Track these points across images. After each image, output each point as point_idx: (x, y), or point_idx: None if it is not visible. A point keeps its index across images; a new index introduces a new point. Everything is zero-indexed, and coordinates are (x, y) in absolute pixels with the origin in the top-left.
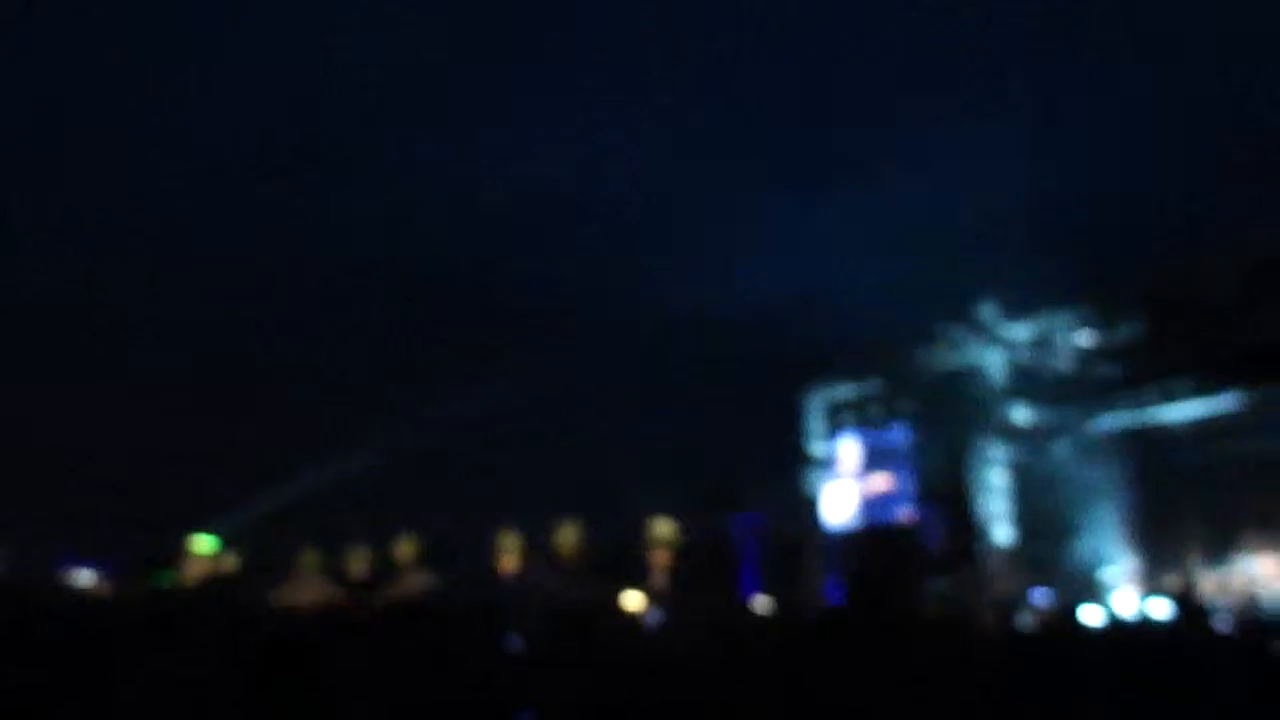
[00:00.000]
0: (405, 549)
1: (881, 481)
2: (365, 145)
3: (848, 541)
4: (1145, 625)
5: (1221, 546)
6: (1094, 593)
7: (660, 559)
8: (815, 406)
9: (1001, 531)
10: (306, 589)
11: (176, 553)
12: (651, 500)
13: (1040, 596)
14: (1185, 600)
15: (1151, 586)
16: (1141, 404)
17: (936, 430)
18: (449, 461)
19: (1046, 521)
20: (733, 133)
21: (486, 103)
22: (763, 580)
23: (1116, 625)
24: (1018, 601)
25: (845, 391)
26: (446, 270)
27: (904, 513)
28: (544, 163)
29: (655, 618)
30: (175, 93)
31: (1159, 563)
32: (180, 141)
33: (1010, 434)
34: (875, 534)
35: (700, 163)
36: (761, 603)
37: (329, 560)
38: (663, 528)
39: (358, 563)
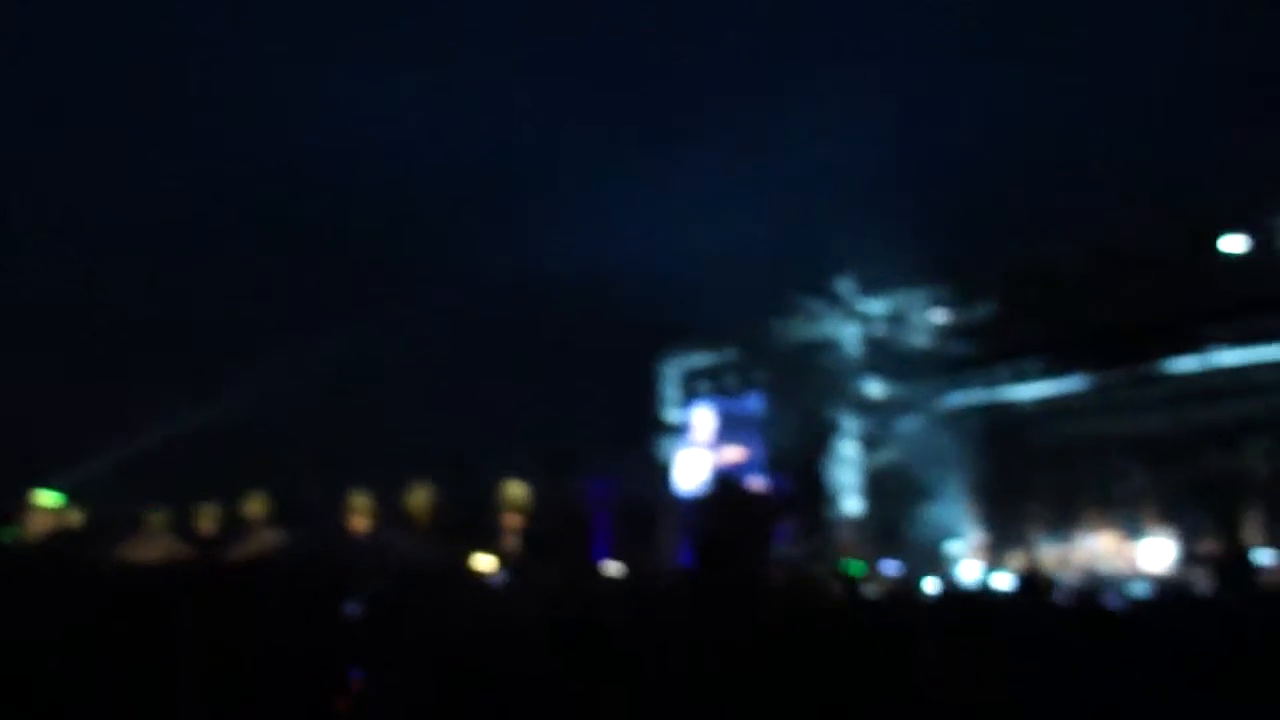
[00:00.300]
0: (255, 507)
1: (734, 450)
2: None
3: (696, 506)
4: (987, 595)
5: (1064, 523)
6: (940, 565)
7: (512, 522)
8: (671, 374)
9: (852, 502)
10: (153, 546)
11: (18, 508)
12: (505, 463)
13: (887, 567)
14: (1028, 573)
15: (996, 560)
16: (992, 382)
17: (791, 401)
18: (301, 419)
19: (896, 494)
20: (596, 97)
21: (357, 64)
22: (614, 545)
23: (960, 595)
24: (866, 570)
25: (701, 360)
26: (305, 224)
27: (756, 481)
28: (401, 124)
29: (503, 580)
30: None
31: (1004, 537)
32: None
33: (863, 407)
34: (724, 499)
35: (561, 127)
36: (612, 567)
37: (177, 517)
38: (515, 491)
39: (206, 520)
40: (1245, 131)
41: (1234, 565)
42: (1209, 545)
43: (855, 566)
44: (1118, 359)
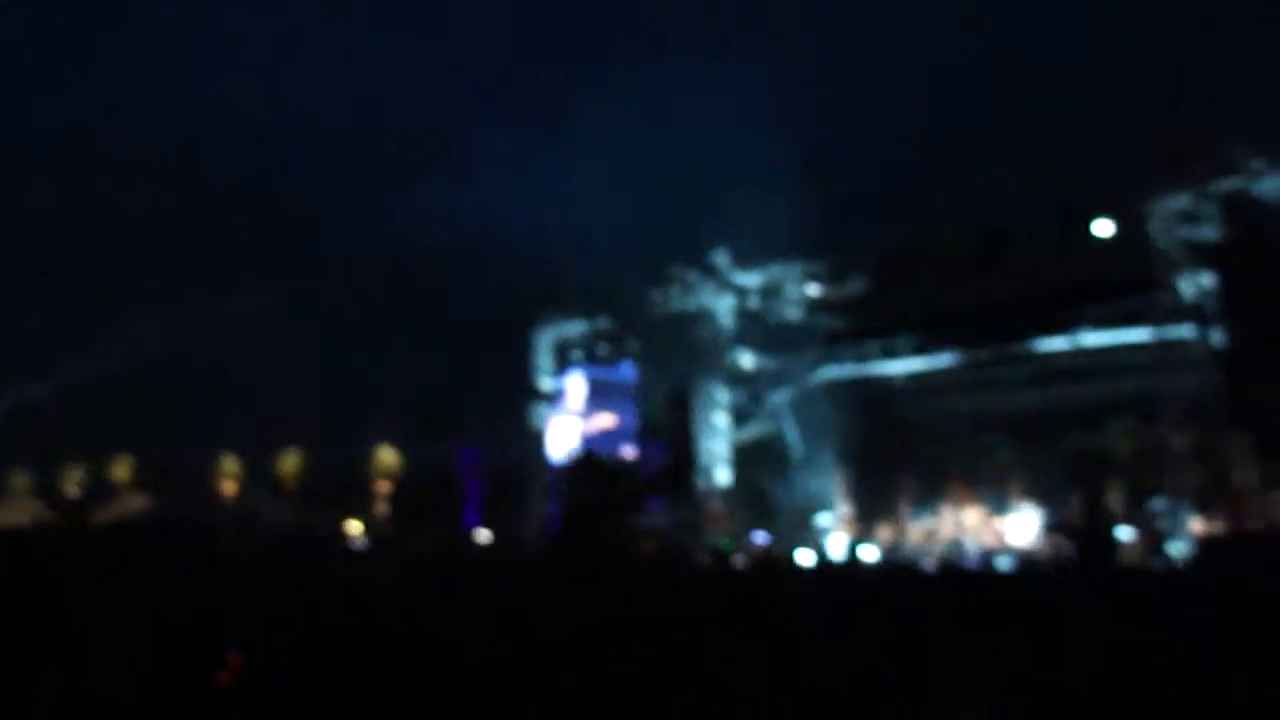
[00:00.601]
0: (121, 471)
1: (606, 418)
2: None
3: (563, 473)
4: (854, 567)
5: (933, 497)
6: (809, 537)
7: (383, 488)
8: (544, 342)
9: (722, 473)
10: (15, 510)
11: None
12: (377, 429)
13: (756, 538)
14: (894, 546)
15: (865, 532)
16: (864, 357)
17: (663, 370)
18: (170, 382)
19: (766, 465)
20: (471, 63)
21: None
22: (485, 513)
23: (827, 566)
24: (737, 542)
25: (575, 328)
26: (173, 184)
27: (626, 449)
28: (279, 90)
29: (367, 546)
30: None
31: (873, 510)
32: None
33: (735, 378)
34: (588, 468)
35: (435, 93)
36: (483, 534)
37: (41, 481)
38: (386, 457)
39: (71, 484)
40: (1117, 118)
41: (1096, 540)
42: (1073, 520)
43: (725, 541)
44: (988, 337)
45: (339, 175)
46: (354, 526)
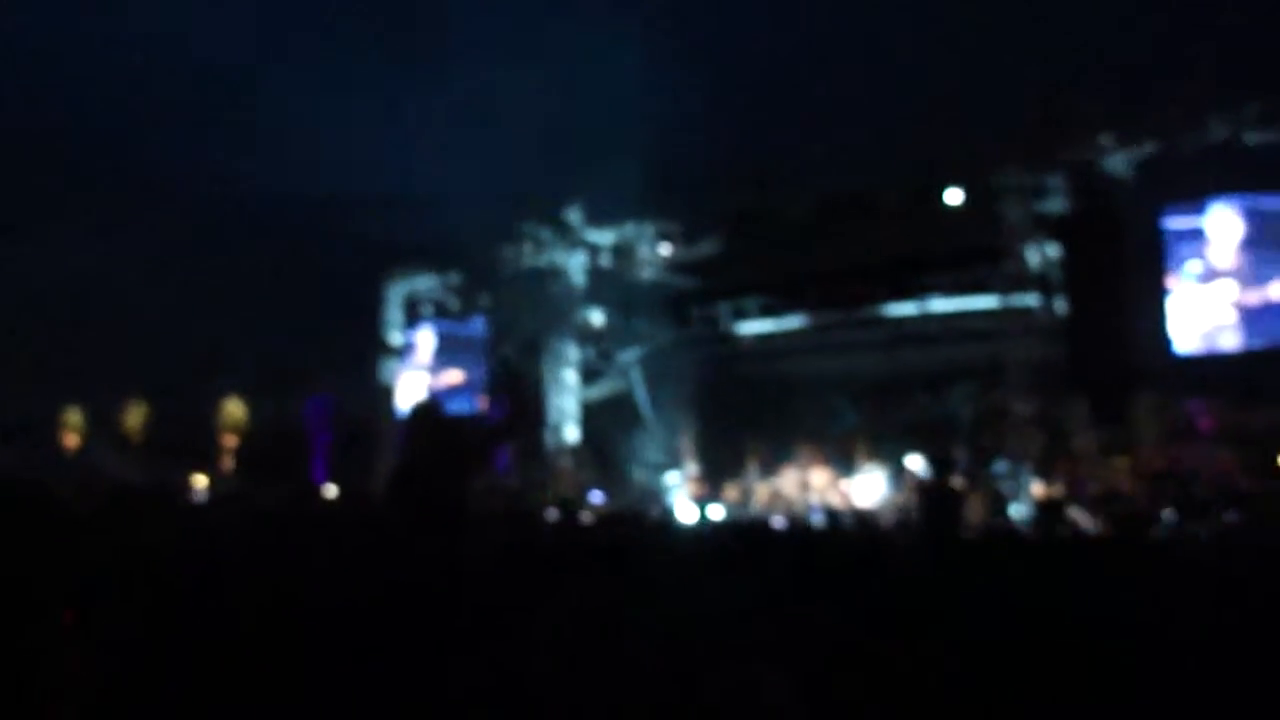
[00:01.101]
0: None
1: (454, 373)
2: None
3: (403, 428)
4: (701, 524)
5: (779, 458)
6: (656, 496)
7: (229, 442)
8: (395, 296)
9: (571, 430)
10: None
11: None
12: (224, 382)
13: (594, 496)
14: (740, 505)
15: (711, 493)
16: (714, 318)
17: (514, 326)
18: (11, 332)
19: (614, 424)
20: (329, 8)
21: None
22: (333, 468)
23: (672, 523)
24: (581, 499)
25: (426, 283)
26: (10, 127)
27: (474, 404)
28: (129, 23)
29: (215, 500)
30: None
31: (720, 471)
32: None
33: (585, 336)
34: (428, 422)
35: (289, 35)
36: (329, 490)
37: None
38: (233, 410)
39: None
40: (972, 91)
41: (943, 501)
42: (915, 482)
43: (566, 497)
44: (836, 301)
45: (183, 118)
46: (199, 480)
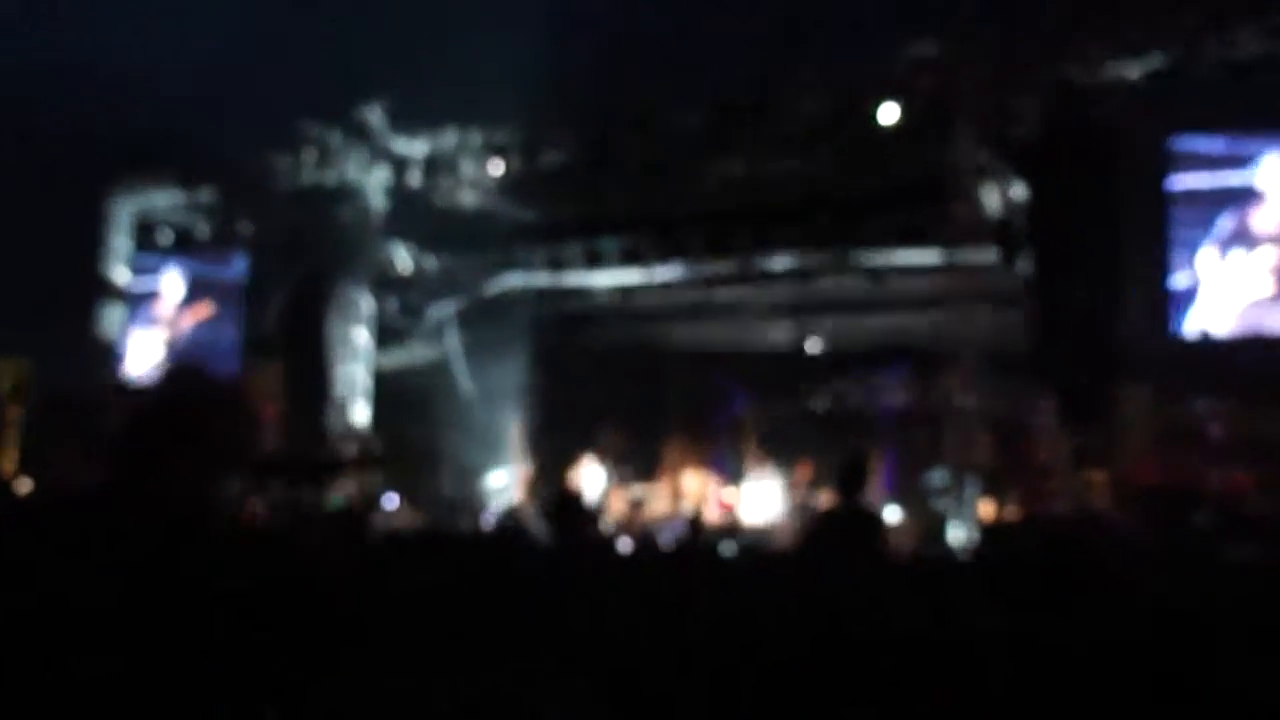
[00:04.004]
0: None
1: (204, 328)
2: None
3: (133, 404)
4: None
5: (642, 457)
6: (475, 503)
7: None
8: (122, 216)
9: (361, 410)
10: None
11: None
12: None
13: (389, 501)
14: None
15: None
16: (560, 263)
17: (288, 266)
18: None
19: (420, 403)
20: None
21: None
22: (27, 454)
23: (492, 539)
24: (373, 504)
25: (167, 199)
26: None
27: (229, 371)
28: None
29: None
30: None
31: (562, 470)
32: None
33: (385, 282)
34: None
35: None
36: (23, 483)
37: None
38: None
39: None
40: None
41: (854, 521)
42: (826, 494)
43: (337, 498)
44: (726, 247)
45: None
46: None
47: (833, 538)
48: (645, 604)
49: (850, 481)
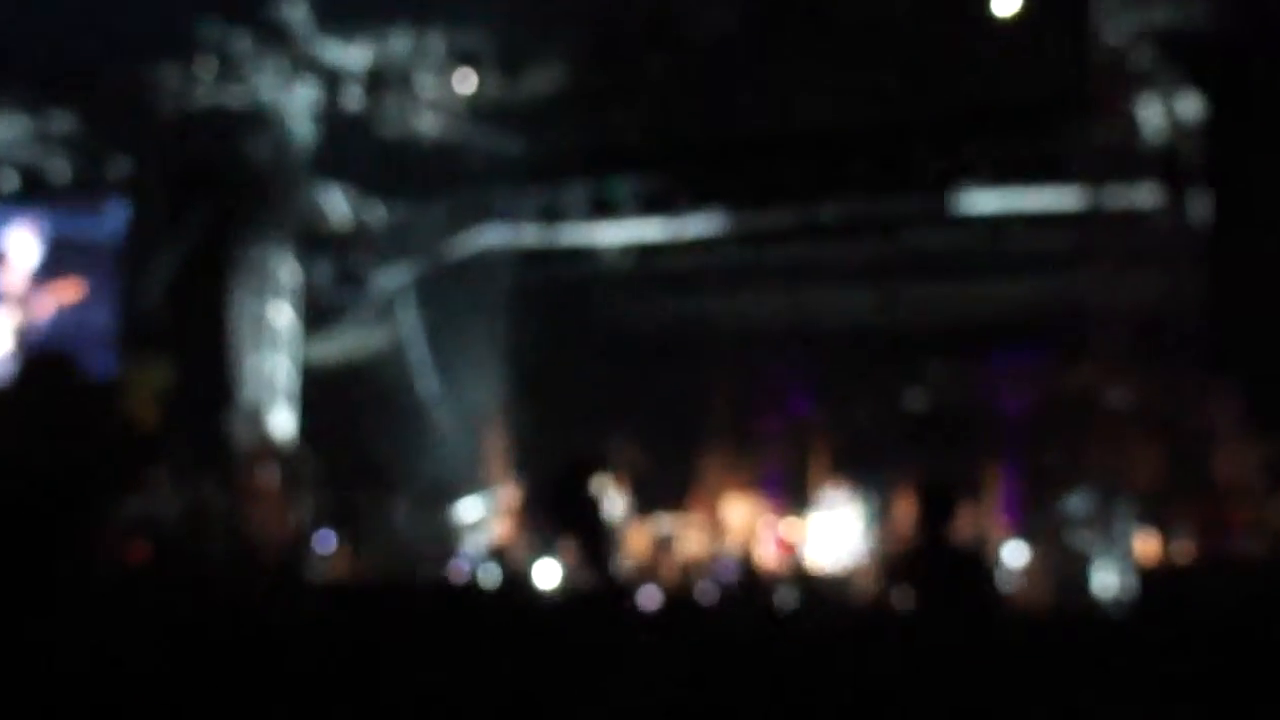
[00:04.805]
0: None
1: (73, 306)
2: None
3: None
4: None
5: (668, 476)
6: (446, 540)
7: None
8: None
9: (282, 415)
10: None
11: None
12: None
13: (325, 540)
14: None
15: (539, 539)
16: (552, 213)
17: (180, 219)
18: None
19: (362, 406)
20: None
21: None
22: None
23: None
24: (302, 547)
25: (10, 132)
26: None
27: (102, 362)
28: None
29: None
30: None
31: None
32: None
33: (314, 241)
34: (36, 393)
35: None
36: None
37: None
38: None
39: None
40: None
41: (947, 568)
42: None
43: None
44: (780, 189)
45: None
46: None
47: (921, 587)
48: (684, 688)
49: (937, 510)
